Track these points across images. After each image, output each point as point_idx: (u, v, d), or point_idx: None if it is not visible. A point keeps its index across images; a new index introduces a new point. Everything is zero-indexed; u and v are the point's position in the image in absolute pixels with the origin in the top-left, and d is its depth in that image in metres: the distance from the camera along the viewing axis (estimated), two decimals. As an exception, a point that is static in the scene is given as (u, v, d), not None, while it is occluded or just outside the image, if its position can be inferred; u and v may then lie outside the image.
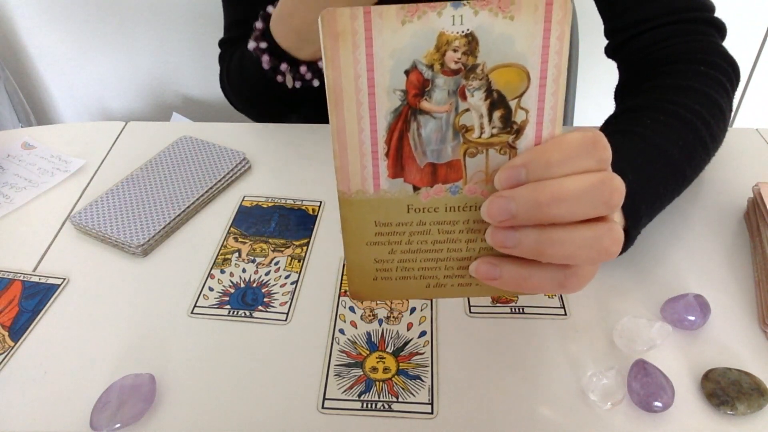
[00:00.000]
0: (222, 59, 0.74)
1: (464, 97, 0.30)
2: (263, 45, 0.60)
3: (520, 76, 0.29)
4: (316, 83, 0.63)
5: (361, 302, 0.51)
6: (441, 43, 0.29)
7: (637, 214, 0.46)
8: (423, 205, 0.32)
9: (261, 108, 0.73)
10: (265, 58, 0.60)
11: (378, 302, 0.51)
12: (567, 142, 0.30)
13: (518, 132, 0.31)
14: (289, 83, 0.62)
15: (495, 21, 0.28)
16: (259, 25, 0.60)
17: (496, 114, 0.30)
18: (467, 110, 0.30)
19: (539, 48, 0.29)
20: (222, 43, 0.74)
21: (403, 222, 0.33)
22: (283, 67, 0.60)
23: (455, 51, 0.29)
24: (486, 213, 0.31)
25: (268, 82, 0.63)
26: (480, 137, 0.31)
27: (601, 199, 0.30)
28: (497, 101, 0.30)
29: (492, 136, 0.31)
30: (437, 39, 0.29)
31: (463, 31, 0.28)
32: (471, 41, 0.29)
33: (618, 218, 0.44)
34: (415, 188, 0.32)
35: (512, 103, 0.30)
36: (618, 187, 0.30)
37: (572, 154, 0.30)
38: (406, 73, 0.29)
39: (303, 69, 0.61)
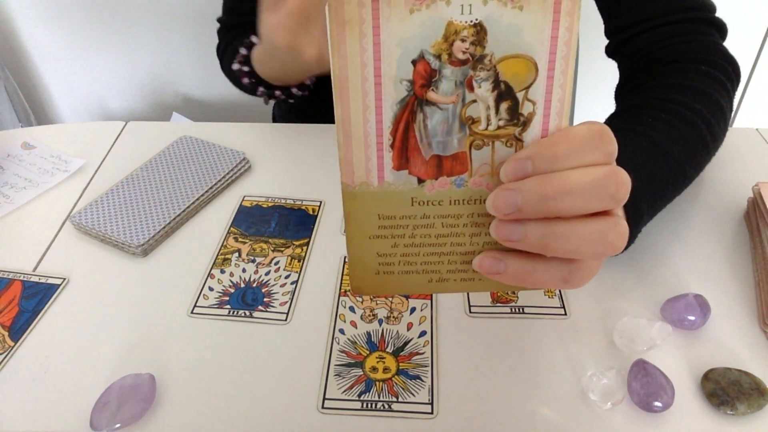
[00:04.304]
0: (219, 36, 0.79)
1: (471, 88, 0.29)
2: (245, 69, 0.65)
3: (528, 68, 0.29)
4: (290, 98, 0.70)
5: (362, 298, 0.51)
6: (449, 33, 0.28)
7: (638, 212, 0.46)
8: (427, 198, 0.32)
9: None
10: (246, 80, 0.66)
11: (378, 302, 0.51)
12: (573, 135, 0.30)
13: (525, 124, 0.30)
14: (265, 102, 0.71)
15: (504, 11, 0.28)
16: (243, 51, 0.65)
17: (503, 106, 0.30)
18: (474, 101, 0.30)
19: (548, 39, 0.28)
20: (220, 23, 0.79)
21: (407, 215, 0.32)
22: (260, 90, 0.66)
23: (463, 41, 0.28)
24: (491, 206, 0.31)
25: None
26: (486, 129, 0.30)
27: (608, 192, 0.29)
28: (504, 93, 0.29)
29: (499, 128, 0.30)
30: (445, 28, 0.28)
31: (471, 21, 0.28)
32: (479, 31, 0.28)
33: (620, 214, 0.44)
34: (420, 181, 0.31)
35: (519, 95, 0.30)
36: (624, 180, 0.30)
37: (579, 147, 0.30)
38: (413, 62, 0.29)
39: (278, 93, 0.67)
